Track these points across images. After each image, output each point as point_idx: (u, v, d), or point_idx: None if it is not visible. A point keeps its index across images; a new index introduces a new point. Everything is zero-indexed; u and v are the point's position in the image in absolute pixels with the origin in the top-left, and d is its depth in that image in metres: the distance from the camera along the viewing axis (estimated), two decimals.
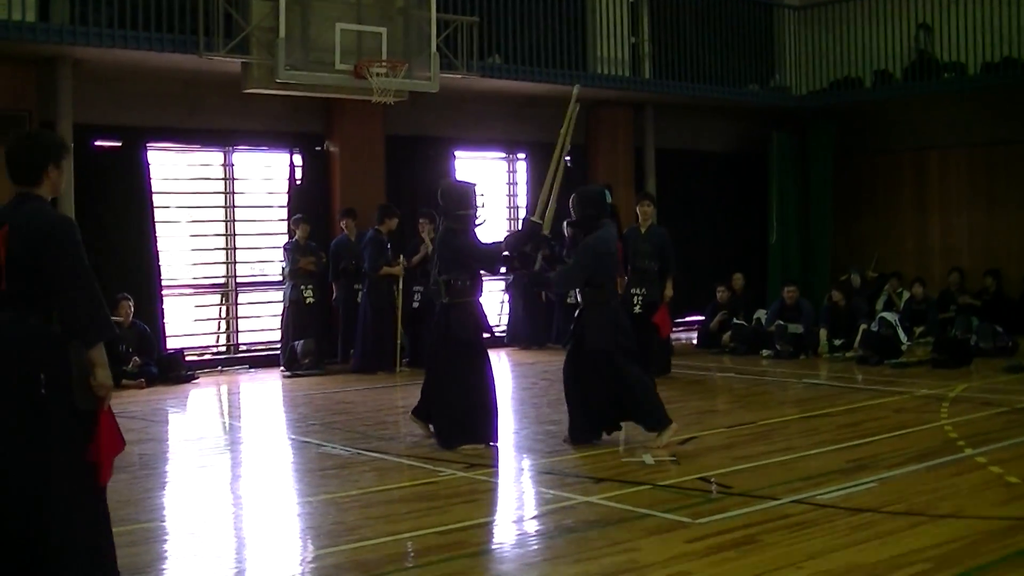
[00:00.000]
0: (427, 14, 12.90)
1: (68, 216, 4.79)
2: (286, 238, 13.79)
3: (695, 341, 15.98)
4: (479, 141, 16.20)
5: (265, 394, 12.14)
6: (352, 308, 13.52)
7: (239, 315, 14.33)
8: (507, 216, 16.57)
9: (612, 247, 8.49)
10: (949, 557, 5.36)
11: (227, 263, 14.18)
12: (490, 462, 7.94)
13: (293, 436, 9.42)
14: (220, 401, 11.90)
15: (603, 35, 15.91)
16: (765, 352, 14.36)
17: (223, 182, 14.13)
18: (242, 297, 14.36)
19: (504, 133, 16.16)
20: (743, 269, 16.44)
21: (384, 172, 14.75)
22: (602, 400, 8.39)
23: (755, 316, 15.38)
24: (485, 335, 8.70)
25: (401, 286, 13.37)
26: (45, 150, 4.84)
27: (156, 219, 13.27)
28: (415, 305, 13.66)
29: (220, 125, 13.74)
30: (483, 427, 8.41)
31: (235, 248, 14.20)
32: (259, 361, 13.95)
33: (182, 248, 14.07)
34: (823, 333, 14.29)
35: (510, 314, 16.10)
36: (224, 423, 10.67)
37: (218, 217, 14.14)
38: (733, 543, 5.67)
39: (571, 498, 6.79)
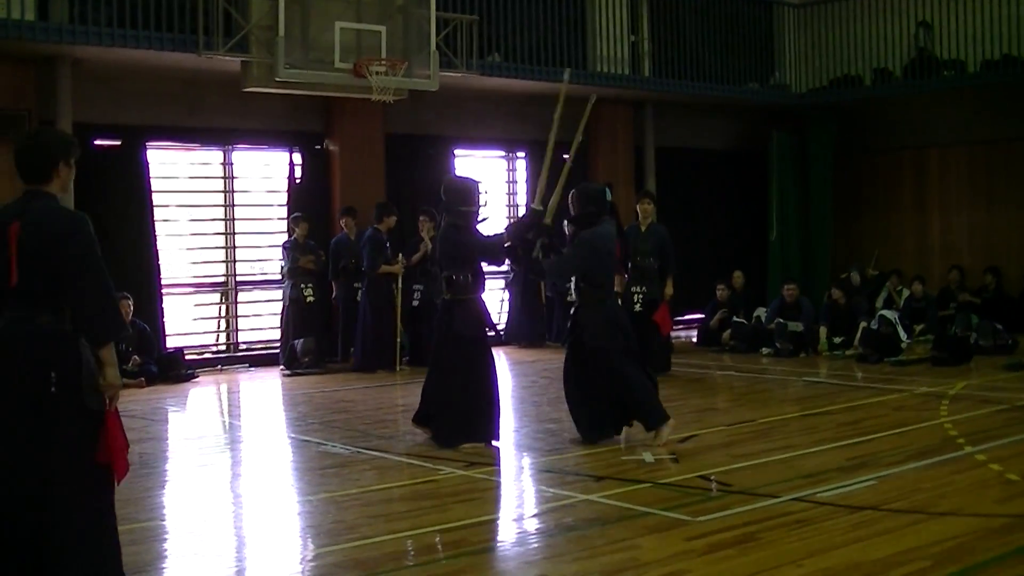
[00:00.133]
0: (427, 12, 12.90)
1: (81, 213, 4.77)
2: (286, 237, 13.79)
3: (695, 339, 15.99)
4: (479, 140, 16.20)
5: (265, 393, 12.14)
6: (352, 307, 13.52)
7: (239, 314, 14.33)
8: (507, 215, 16.56)
9: (610, 244, 8.48)
10: (949, 554, 5.37)
11: (227, 262, 14.17)
12: (490, 460, 7.94)
13: (293, 435, 9.42)
14: (220, 400, 11.90)
15: (603, 33, 15.91)
16: (765, 350, 14.36)
17: (223, 181, 14.12)
18: (242, 296, 14.36)
19: (504, 132, 16.15)
20: (743, 267, 16.44)
21: (384, 171, 14.75)
22: (604, 398, 8.39)
23: (755, 314, 15.37)
24: (488, 332, 8.69)
25: (400, 285, 13.36)
26: (55, 148, 4.83)
27: (156, 218, 13.26)
28: (415, 303, 13.66)
29: (220, 124, 13.74)
30: (484, 425, 8.39)
31: (235, 247, 14.20)
32: (259, 360, 13.94)
33: (182, 247, 14.07)
34: (823, 331, 14.29)
35: (509, 312, 16.11)
36: (224, 422, 10.67)
37: (218, 216, 14.14)
38: (733, 541, 5.68)
39: (571, 496, 6.79)
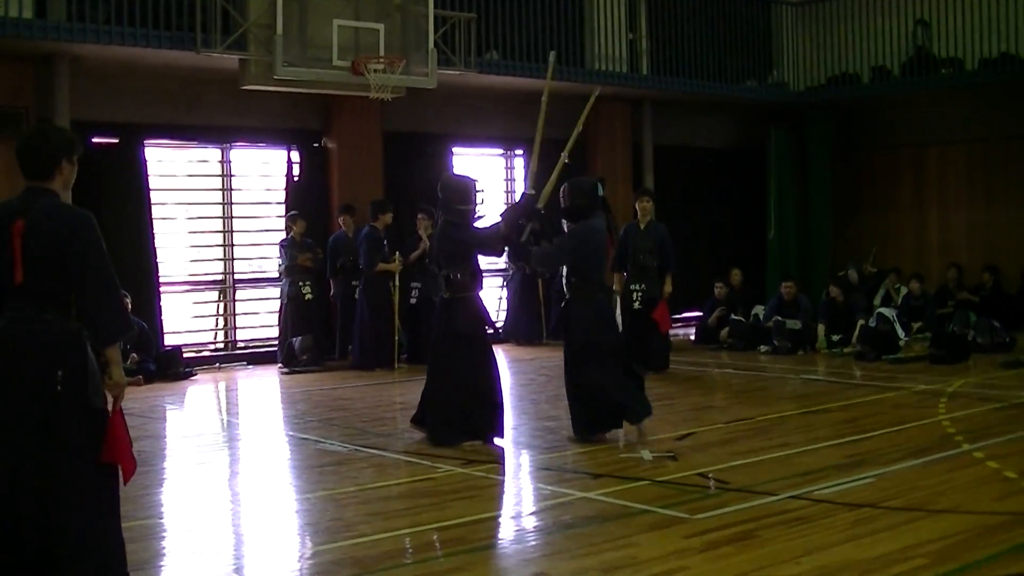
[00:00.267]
0: (424, 10, 12.89)
1: (87, 211, 4.77)
2: (284, 235, 13.78)
3: (693, 337, 15.99)
4: (477, 137, 16.19)
5: (263, 391, 12.14)
6: (350, 305, 13.52)
7: (237, 312, 14.33)
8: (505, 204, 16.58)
9: (600, 239, 8.44)
10: (947, 552, 5.37)
11: (225, 260, 14.17)
12: (489, 458, 7.93)
13: (291, 433, 9.41)
14: (218, 398, 11.90)
15: (601, 31, 15.90)
16: (763, 348, 14.37)
17: (221, 179, 14.12)
18: (240, 294, 14.36)
19: (502, 129, 16.14)
20: (741, 265, 16.45)
21: (382, 168, 14.75)
22: (591, 396, 8.37)
23: (753, 312, 15.37)
24: (488, 329, 8.67)
25: (398, 283, 13.36)
26: (59, 145, 4.82)
27: (154, 216, 13.25)
28: (412, 301, 13.66)
29: (218, 122, 13.73)
30: (482, 424, 8.37)
31: (233, 245, 14.20)
32: (257, 358, 13.94)
33: (180, 245, 14.06)
34: (821, 329, 14.29)
35: (508, 310, 16.11)
36: (222, 420, 10.67)
37: (216, 214, 14.13)
38: (731, 539, 5.68)
39: (569, 494, 6.79)
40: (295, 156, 14.43)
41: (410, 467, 7.72)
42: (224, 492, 7.33)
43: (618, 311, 12.31)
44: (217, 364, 13.67)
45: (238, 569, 5.51)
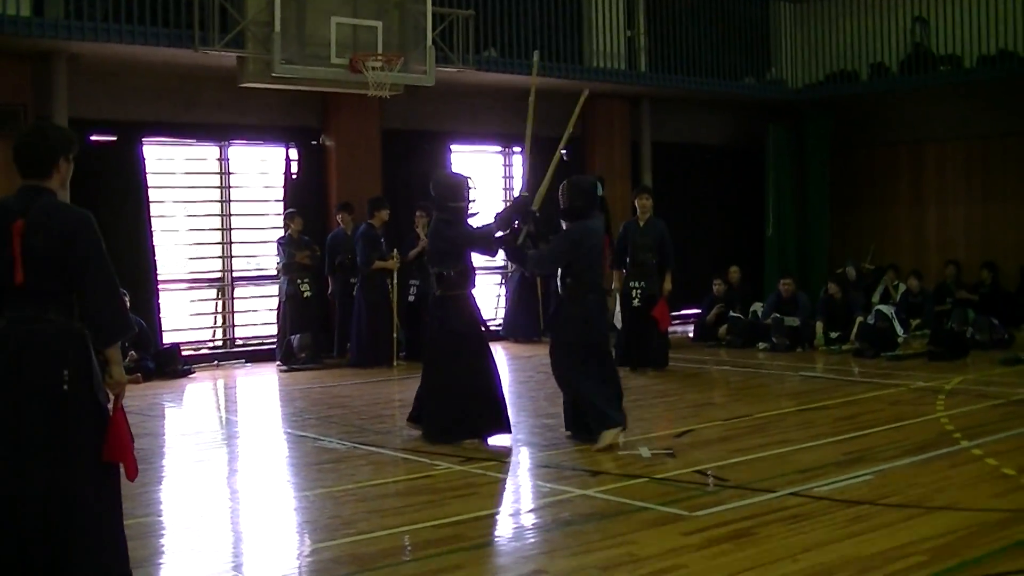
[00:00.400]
0: (422, 8, 12.89)
1: (87, 211, 4.76)
2: (282, 232, 13.77)
3: (691, 334, 15.99)
4: (475, 135, 16.18)
5: (262, 388, 12.14)
6: (349, 302, 13.52)
7: (235, 309, 14.32)
8: (503, 200, 16.56)
9: (596, 239, 8.38)
10: (945, 549, 5.38)
11: (223, 257, 14.16)
12: (487, 456, 7.93)
13: (290, 430, 9.41)
14: (217, 396, 11.90)
15: (599, 28, 15.89)
16: (761, 345, 14.37)
17: (219, 176, 14.11)
18: (238, 291, 14.35)
19: (500, 126, 16.13)
20: (739, 262, 16.46)
21: (380, 166, 14.75)
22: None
23: (751, 309, 15.39)
24: (481, 327, 8.65)
25: (396, 280, 13.35)
26: (57, 143, 4.81)
27: (152, 214, 13.25)
28: (411, 299, 13.66)
29: (216, 119, 13.72)
30: (478, 421, 8.35)
31: (231, 242, 14.19)
32: (255, 355, 13.93)
33: (178, 243, 14.04)
34: (819, 326, 14.30)
35: (506, 307, 16.11)
36: (221, 418, 10.66)
37: (214, 211, 14.12)
38: (730, 536, 5.68)
39: (568, 491, 6.79)
40: (293, 154, 14.43)
41: (408, 464, 7.72)
42: (223, 490, 7.33)
43: (617, 308, 12.33)
44: (216, 362, 13.66)
45: (237, 567, 5.51)
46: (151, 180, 13.29)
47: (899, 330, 13.86)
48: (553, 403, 9.64)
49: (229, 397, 11.84)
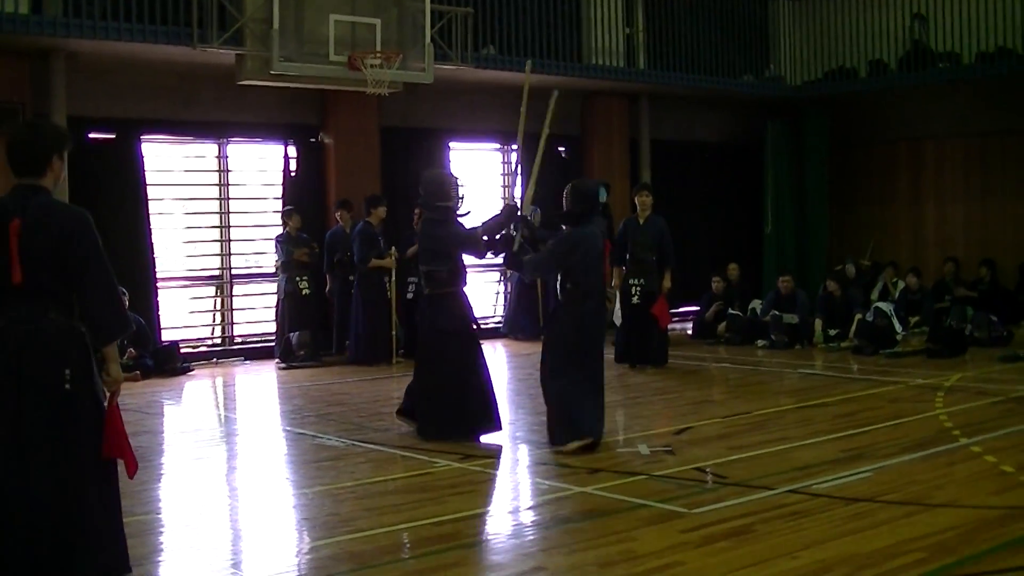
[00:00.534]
0: (421, 5, 12.89)
1: (84, 210, 4.76)
2: (281, 230, 13.76)
3: (690, 331, 15.99)
4: (474, 132, 16.17)
5: (260, 386, 12.14)
6: (347, 300, 13.51)
7: (234, 307, 14.32)
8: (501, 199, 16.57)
9: (591, 244, 8.23)
10: (944, 546, 5.38)
11: (222, 255, 14.16)
12: (485, 453, 7.93)
13: (288, 428, 9.41)
14: (215, 393, 11.90)
15: (598, 25, 15.89)
16: (760, 342, 14.37)
17: (218, 174, 14.10)
18: (237, 289, 14.34)
19: (499, 124, 16.09)
20: (738, 259, 16.46)
21: (379, 163, 14.74)
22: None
23: (750, 306, 15.38)
24: (472, 325, 8.62)
25: (394, 278, 13.34)
26: (50, 140, 4.80)
27: (150, 211, 13.24)
28: (409, 296, 13.64)
29: (214, 117, 13.71)
30: (470, 419, 8.31)
31: (230, 240, 14.19)
32: (254, 353, 13.93)
33: (177, 240, 14.04)
34: (818, 323, 14.30)
35: (506, 305, 16.10)
36: (219, 415, 10.66)
37: (213, 209, 14.12)
38: (728, 533, 5.68)
39: (567, 488, 6.79)
40: (292, 151, 14.42)
41: (407, 462, 7.72)
42: (222, 487, 7.33)
43: (617, 305, 12.33)
44: (214, 359, 13.66)
45: (236, 564, 5.51)
46: (150, 178, 13.28)
47: (898, 327, 13.86)
48: None
49: (228, 395, 11.84)
